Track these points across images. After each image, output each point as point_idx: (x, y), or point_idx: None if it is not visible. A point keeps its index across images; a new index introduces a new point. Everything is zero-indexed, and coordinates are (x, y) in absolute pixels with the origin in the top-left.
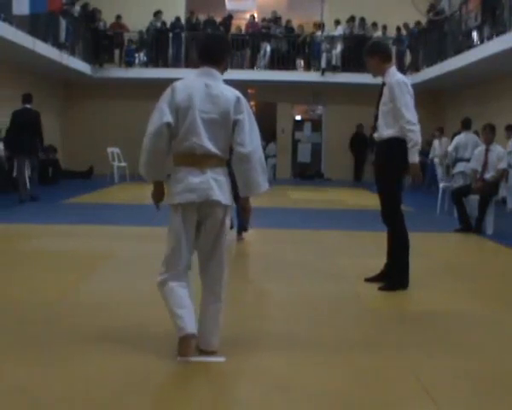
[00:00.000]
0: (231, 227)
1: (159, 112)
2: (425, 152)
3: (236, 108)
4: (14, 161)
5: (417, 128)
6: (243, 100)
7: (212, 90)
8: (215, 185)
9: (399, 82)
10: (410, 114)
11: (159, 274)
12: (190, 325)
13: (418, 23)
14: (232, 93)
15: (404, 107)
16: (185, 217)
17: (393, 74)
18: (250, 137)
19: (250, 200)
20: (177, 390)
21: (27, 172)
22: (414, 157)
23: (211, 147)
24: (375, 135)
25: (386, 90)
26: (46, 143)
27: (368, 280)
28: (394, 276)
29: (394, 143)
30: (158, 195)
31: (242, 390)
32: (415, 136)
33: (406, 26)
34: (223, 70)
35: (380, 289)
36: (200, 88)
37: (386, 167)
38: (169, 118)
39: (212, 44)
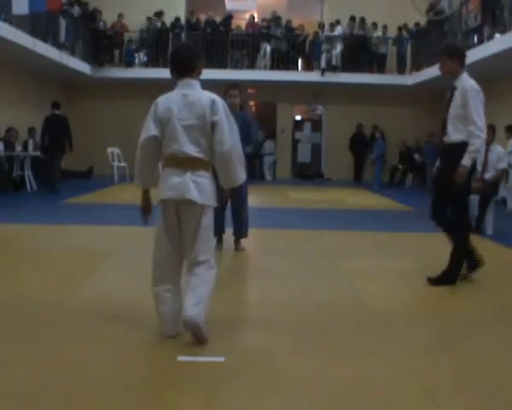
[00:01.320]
0: (220, 235)
1: (145, 127)
2: (424, 152)
3: (212, 110)
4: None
5: (483, 137)
6: (219, 102)
7: (189, 98)
8: (192, 186)
9: (473, 88)
10: (481, 121)
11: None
12: (166, 329)
13: (417, 24)
14: (207, 97)
15: (476, 114)
16: (165, 213)
17: (467, 80)
18: (229, 136)
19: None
20: (177, 390)
21: (55, 168)
22: (467, 161)
23: (191, 151)
24: (444, 138)
25: (458, 95)
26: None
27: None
28: (447, 272)
29: (463, 147)
30: (145, 203)
31: (242, 390)
32: (478, 143)
33: (405, 26)
34: (198, 75)
35: (429, 280)
36: (177, 99)
37: (454, 171)
38: (154, 131)
39: (178, 58)
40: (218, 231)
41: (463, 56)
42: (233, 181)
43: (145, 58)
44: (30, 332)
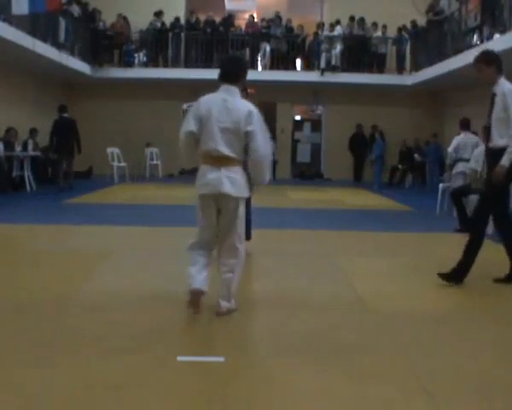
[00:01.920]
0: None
1: (186, 122)
2: (424, 152)
3: (248, 120)
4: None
5: None
6: (255, 113)
7: (228, 104)
8: (226, 181)
9: (511, 91)
10: None
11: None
12: (198, 283)
13: (415, 25)
14: (245, 107)
15: None
16: (203, 204)
17: (505, 84)
18: (262, 146)
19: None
20: (177, 390)
21: (64, 168)
22: (505, 161)
23: (225, 150)
24: (489, 144)
25: (498, 101)
26: (45, 144)
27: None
28: None
29: None
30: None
31: (242, 390)
32: None
33: (405, 27)
34: (241, 85)
35: (496, 281)
36: (218, 102)
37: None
38: (192, 127)
39: (230, 66)
40: None
41: (499, 62)
42: (261, 181)
43: (145, 58)
44: (30, 332)
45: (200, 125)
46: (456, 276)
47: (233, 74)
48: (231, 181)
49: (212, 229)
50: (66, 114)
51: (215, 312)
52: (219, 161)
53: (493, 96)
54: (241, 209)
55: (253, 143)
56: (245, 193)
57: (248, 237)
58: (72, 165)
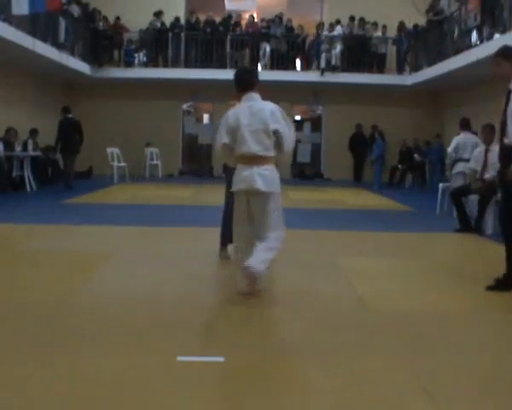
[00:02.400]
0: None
1: (218, 136)
2: (424, 152)
3: (272, 118)
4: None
5: None
6: (277, 110)
7: (253, 109)
8: (258, 178)
9: None
10: None
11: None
12: (248, 261)
13: (415, 25)
14: (268, 107)
15: None
16: (238, 201)
17: None
18: (287, 141)
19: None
20: (177, 390)
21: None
22: None
23: (257, 150)
24: (505, 141)
25: None
26: (45, 144)
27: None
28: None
29: None
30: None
31: (242, 390)
32: None
33: (402, 24)
34: (258, 90)
35: (488, 288)
36: (244, 110)
37: None
38: (225, 139)
39: (245, 77)
40: (227, 240)
41: None
42: (284, 166)
43: (145, 58)
44: (30, 332)
45: (232, 135)
46: (508, 283)
47: (249, 82)
48: (262, 178)
49: (248, 223)
50: (70, 115)
51: (245, 273)
52: (252, 160)
53: (509, 92)
54: (275, 203)
55: (279, 140)
56: (276, 188)
57: None
58: (74, 165)
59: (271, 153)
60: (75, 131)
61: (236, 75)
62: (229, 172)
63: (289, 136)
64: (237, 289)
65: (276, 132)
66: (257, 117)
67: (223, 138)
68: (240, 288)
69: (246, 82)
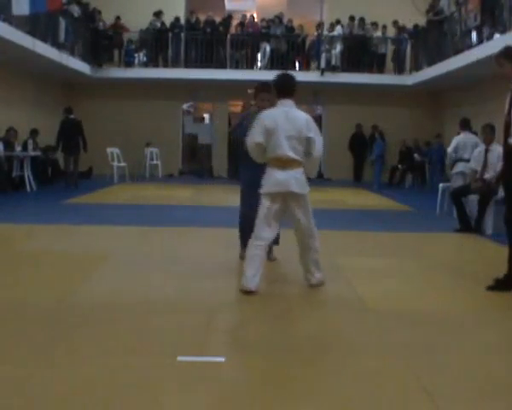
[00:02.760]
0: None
1: (252, 134)
2: (424, 152)
3: (307, 127)
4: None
5: None
6: (310, 120)
7: (289, 115)
8: (294, 181)
9: None
10: None
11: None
12: (249, 284)
13: (416, 26)
14: (303, 116)
15: None
16: (272, 201)
17: None
18: (318, 149)
19: None
20: (177, 390)
21: (71, 167)
22: None
23: (291, 154)
24: (509, 140)
25: None
26: (45, 143)
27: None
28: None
29: None
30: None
31: (242, 390)
32: None
33: (396, 23)
34: (294, 98)
35: (488, 288)
36: (281, 114)
37: None
38: (259, 139)
39: (286, 83)
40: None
41: None
42: (312, 174)
43: (145, 58)
44: (30, 332)
45: (266, 135)
46: (508, 283)
47: (291, 89)
48: (297, 181)
49: (273, 223)
50: (72, 116)
51: (309, 283)
52: (287, 163)
53: None
54: (308, 202)
55: (311, 148)
56: (307, 189)
57: (276, 241)
58: (78, 165)
59: (301, 158)
60: (76, 131)
61: (281, 79)
62: (243, 175)
63: (320, 143)
64: (239, 287)
65: (309, 140)
66: (292, 124)
67: (257, 138)
68: (243, 284)
69: (289, 89)
